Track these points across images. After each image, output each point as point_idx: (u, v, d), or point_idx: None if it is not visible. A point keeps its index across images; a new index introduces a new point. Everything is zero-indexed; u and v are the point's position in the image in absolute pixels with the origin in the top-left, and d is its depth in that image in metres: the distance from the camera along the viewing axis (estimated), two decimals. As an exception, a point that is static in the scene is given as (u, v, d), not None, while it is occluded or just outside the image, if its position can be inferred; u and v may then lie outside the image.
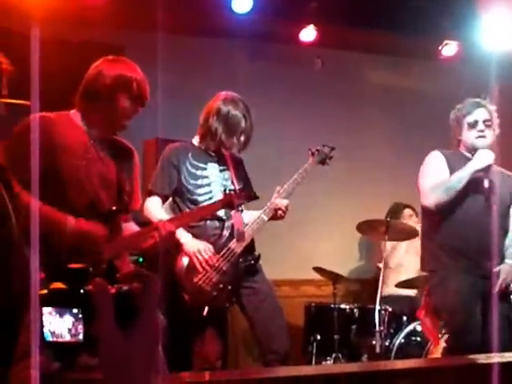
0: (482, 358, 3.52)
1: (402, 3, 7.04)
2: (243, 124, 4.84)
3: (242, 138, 4.87)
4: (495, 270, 4.57)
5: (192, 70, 7.01)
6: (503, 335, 4.37)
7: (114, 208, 3.70)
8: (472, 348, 4.28)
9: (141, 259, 5.30)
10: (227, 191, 4.39)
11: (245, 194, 4.43)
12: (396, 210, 7.44)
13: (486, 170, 4.55)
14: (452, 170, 4.61)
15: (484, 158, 4.51)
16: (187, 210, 4.74)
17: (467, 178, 4.46)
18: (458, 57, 7.76)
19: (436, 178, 4.57)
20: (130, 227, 3.98)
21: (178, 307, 4.54)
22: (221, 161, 4.95)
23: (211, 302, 4.66)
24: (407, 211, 7.44)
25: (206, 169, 4.88)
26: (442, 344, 5.37)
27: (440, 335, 5.41)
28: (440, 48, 7.71)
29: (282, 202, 4.93)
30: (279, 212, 4.91)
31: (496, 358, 3.31)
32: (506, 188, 4.78)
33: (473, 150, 4.62)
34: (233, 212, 4.73)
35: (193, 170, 4.84)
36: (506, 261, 4.66)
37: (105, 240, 3.57)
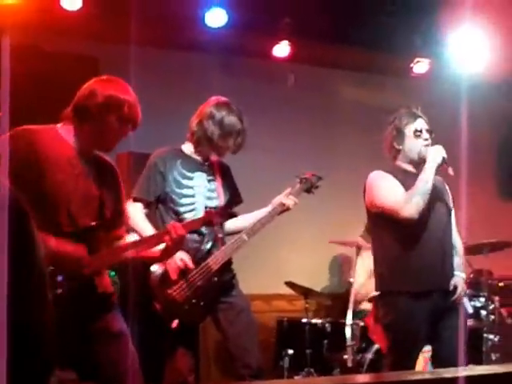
0: (450, 372, 3.53)
1: (374, 20, 7.09)
2: (239, 126, 4.86)
3: (239, 140, 4.88)
4: (452, 283, 4.56)
5: (165, 83, 7.02)
6: (453, 347, 4.39)
7: (93, 223, 3.68)
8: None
9: (113, 273, 5.27)
10: (208, 209, 4.39)
11: (225, 213, 4.44)
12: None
13: (443, 164, 4.49)
14: (402, 184, 4.53)
15: (437, 153, 4.47)
16: (169, 220, 4.71)
17: (432, 178, 4.40)
18: (429, 74, 7.83)
19: (399, 191, 4.48)
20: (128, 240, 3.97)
21: (151, 318, 4.52)
22: (209, 170, 4.94)
23: (182, 315, 4.63)
24: None
25: (192, 178, 4.86)
26: (422, 358, 5.39)
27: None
28: (412, 65, 7.78)
29: (289, 201, 4.97)
30: (284, 207, 4.95)
31: (463, 371, 3.32)
32: (446, 194, 4.77)
33: (418, 158, 4.55)
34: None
35: (179, 179, 4.81)
36: (457, 273, 4.63)
37: (85, 262, 3.55)
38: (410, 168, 4.63)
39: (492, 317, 6.15)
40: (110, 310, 3.76)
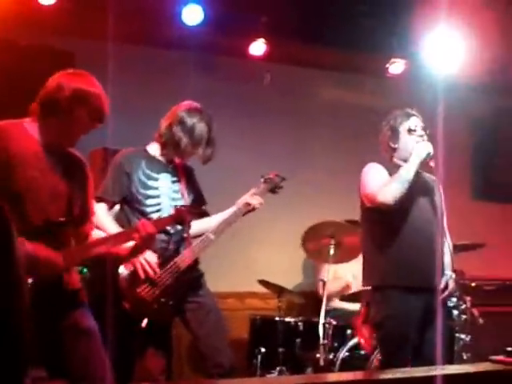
0: (425, 371, 3.55)
1: (350, 20, 7.11)
2: (207, 135, 4.85)
3: (208, 151, 4.88)
4: (443, 282, 4.58)
5: (142, 79, 7.00)
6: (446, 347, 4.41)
7: (62, 219, 3.66)
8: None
9: (85, 270, 5.24)
10: (178, 206, 4.37)
11: (195, 211, 4.43)
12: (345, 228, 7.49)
13: (429, 158, 4.54)
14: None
15: (424, 148, 4.53)
16: (134, 220, 4.70)
17: (414, 170, 4.47)
18: (404, 75, 7.87)
19: (382, 178, 4.56)
20: (98, 235, 3.96)
21: (121, 317, 4.50)
22: (174, 171, 4.93)
23: (151, 314, 4.62)
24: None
25: (157, 179, 4.85)
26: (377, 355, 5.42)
27: (375, 345, 5.47)
28: (387, 66, 7.81)
29: (255, 201, 4.99)
30: (250, 207, 4.98)
31: (439, 370, 3.34)
32: (438, 195, 4.79)
33: (409, 157, 4.60)
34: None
35: (144, 179, 4.80)
36: (447, 272, 4.66)
37: (61, 267, 3.54)
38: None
39: (464, 317, 6.18)
40: (78, 306, 3.74)
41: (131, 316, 4.60)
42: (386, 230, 4.57)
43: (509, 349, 3.45)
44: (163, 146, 4.88)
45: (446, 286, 4.59)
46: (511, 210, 8.28)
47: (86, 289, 3.98)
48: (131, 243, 3.90)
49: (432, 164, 4.55)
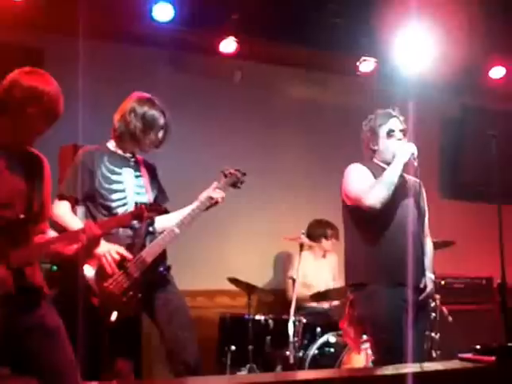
0: (395, 369, 3.57)
1: (321, 19, 7.13)
2: (162, 120, 4.86)
3: (160, 134, 4.88)
4: (423, 282, 4.56)
5: (112, 76, 6.96)
6: (421, 347, 4.41)
7: (21, 216, 3.63)
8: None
9: (54, 267, 5.21)
10: (138, 204, 4.35)
11: (155, 208, 4.40)
12: (315, 227, 7.51)
13: (412, 159, 4.52)
14: (376, 178, 4.54)
15: (407, 149, 4.50)
16: (100, 216, 4.69)
17: (399, 172, 4.44)
18: (375, 73, 7.90)
19: (366, 181, 4.50)
20: (50, 235, 3.92)
21: (89, 314, 4.48)
22: (136, 166, 4.92)
23: (120, 307, 4.59)
24: (327, 231, 7.55)
25: (121, 174, 4.83)
26: (363, 355, 5.42)
27: (362, 346, 5.48)
28: (358, 64, 7.84)
29: (217, 195, 4.97)
30: (212, 201, 4.95)
31: (408, 368, 3.37)
32: (421, 196, 4.77)
33: (392, 158, 4.57)
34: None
35: (108, 174, 4.78)
36: (427, 273, 4.64)
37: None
38: (386, 167, 4.60)
39: (433, 315, 6.22)
40: (42, 304, 3.71)
41: (100, 311, 4.58)
42: (370, 230, 4.52)
43: (477, 347, 3.48)
44: (119, 139, 4.88)
45: (425, 287, 4.57)
46: (479, 209, 8.33)
47: (54, 286, 3.96)
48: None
49: (415, 163, 4.53)
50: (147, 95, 4.94)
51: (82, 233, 3.78)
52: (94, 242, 3.84)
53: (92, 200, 4.77)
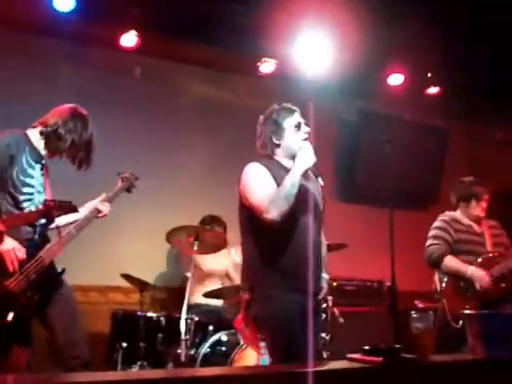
0: (286, 367, 3.60)
1: (223, 18, 7.15)
2: (89, 140, 4.92)
3: (87, 155, 4.91)
4: (321, 284, 4.58)
5: (12, 65, 6.83)
6: (316, 349, 4.43)
7: None
8: None
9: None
10: (47, 201, 4.30)
11: (64, 206, 4.36)
12: (207, 223, 7.53)
13: (312, 168, 4.45)
14: (276, 179, 4.40)
15: (308, 156, 4.38)
16: (4, 203, 4.60)
17: (299, 180, 4.31)
18: (275, 74, 7.97)
19: (267, 190, 4.34)
20: None
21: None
22: (43, 164, 4.89)
23: (18, 308, 4.53)
24: (217, 227, 7.58)
25: (34, 169, 4.79)
26: (259, 354, 5.42)
27: (261, 345, 5.48)
28: (258, 65, 7.90)
29: (104, 208, 5.01)
30: (99, 215, 5.01)
31: (299, 367, 3.39)
32: (318, 193, 4.73)
33: (295, 153, 4.48)
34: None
35: (25, 167, 4.72)
36: (323, 275, 4.65)
37: None
38: (288, 164, 4.50)
39: (324, 316, 6.29)
40: None
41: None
42: (268, 235, 4.36)
43: (366, 347, 3.54)
44: (46, 141, 4.84)
45: (321, 288, 4.59)
46: (373, 213, 8.48)
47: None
48: None
49: (321, 182, 4.48)
50: (85, 113, 4.96)
51: None
52: None
53: (3, 184, 4.66)
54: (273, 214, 4.20)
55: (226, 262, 7.62)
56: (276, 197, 4.26)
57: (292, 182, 4.29)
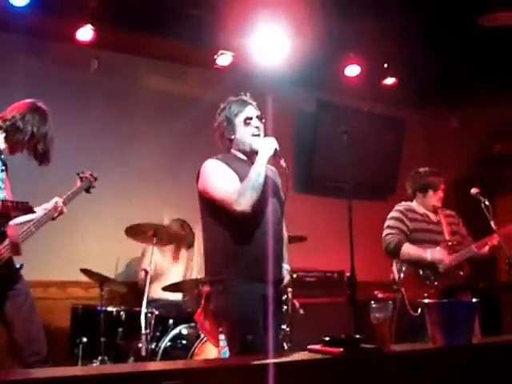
0: (247, 360, 3.61)
1: (178, 11, 7.13)
2: (46, 133, 4.88)
3: (45, 147, 4.88)
4: (283, 274, 4.60)
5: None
6: (277, 341, 4.45)
7: None
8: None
9: None
10: (5, 201, 4.28)
11: (23, 207, 4.34)
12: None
13: (274, 155, 4.45)
14: (236, 171, 4.41)
15: (269, 145, 4.40)
16: None
17: (264, 170, 4.34)
18: (232, 66, 7.97)
19: (231, 183, 4.35)
20: None
21: None
22: (2, 160, 4.84)
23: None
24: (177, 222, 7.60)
25: None
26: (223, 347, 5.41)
27: (219, 338, 5.47)
28: (215, 57, 7.89)
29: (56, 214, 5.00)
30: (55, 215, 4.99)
31: (260, 359, 3.40)
32: (279, 186, 4.74)
33: (249, 148, 4.47)
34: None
35: None
36: (284, 265, 4.67)
37: None
38: (243, 156, 4.54)
39: (285, 307, 6.32)
40: None
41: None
42: (229, 226, 4.36)
43: (326, 338, 3.56)
44: (6, 135, 4.81)
45: (282, 278, 4.60)
46: (331, 204, 8.51)
47: None
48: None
49: (283, 164, 4.46)
50: (45, 108, 4.95)
51: None
52: None
53: None
54: (243, 205, 4.21)
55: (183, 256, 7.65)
56: (244, 188, 4.27)
57: (258, 171, 4.32)
